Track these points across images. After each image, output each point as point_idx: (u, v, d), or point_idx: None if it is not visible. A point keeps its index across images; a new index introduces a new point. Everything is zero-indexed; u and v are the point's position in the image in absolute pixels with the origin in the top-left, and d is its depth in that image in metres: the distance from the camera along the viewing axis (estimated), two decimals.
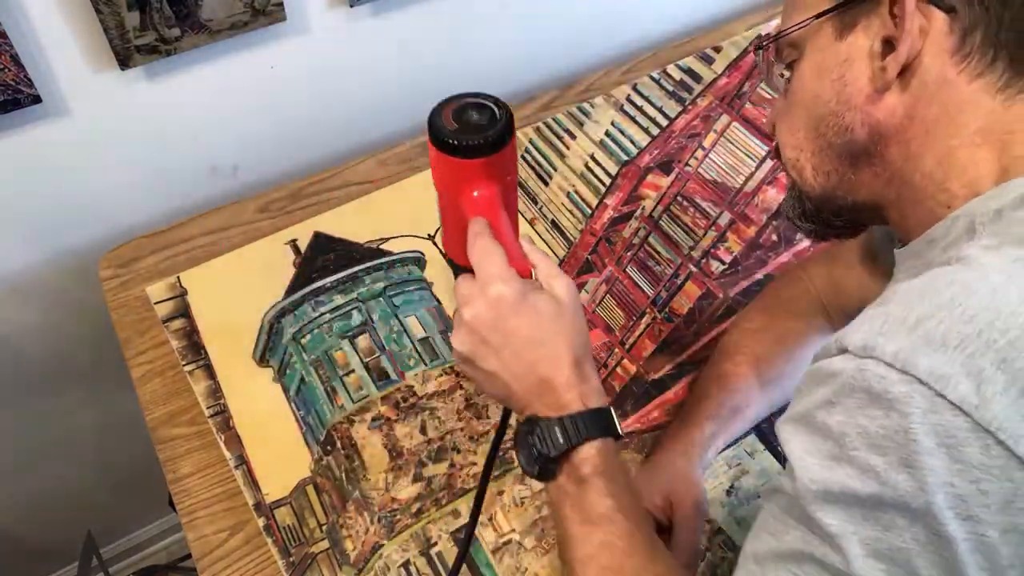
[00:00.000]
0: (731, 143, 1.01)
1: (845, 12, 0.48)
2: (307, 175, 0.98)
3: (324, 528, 0.71)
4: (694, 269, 0.89)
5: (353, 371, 0.81)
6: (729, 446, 0.75)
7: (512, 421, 0.60)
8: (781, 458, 0.75)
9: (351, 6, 0.89)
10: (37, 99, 0.77)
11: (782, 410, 0.76)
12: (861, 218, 0.55)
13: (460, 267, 0.57)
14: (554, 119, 1.05)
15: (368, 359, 0.82)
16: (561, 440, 0.51)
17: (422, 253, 0.90)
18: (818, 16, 0.49)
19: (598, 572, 0.50)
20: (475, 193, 0.53)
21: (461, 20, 1.00)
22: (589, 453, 0.51)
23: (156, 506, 1.42)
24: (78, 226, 0.93)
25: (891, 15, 0.46)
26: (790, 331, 0.76)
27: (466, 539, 0.63)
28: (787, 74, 0.54)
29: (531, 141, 1.02)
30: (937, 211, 0.46)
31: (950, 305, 0.38)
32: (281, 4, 0.83)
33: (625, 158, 1.00)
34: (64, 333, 1.03)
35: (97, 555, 1.28)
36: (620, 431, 0.53)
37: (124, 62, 0.79)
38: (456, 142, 0.51)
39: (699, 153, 1.00)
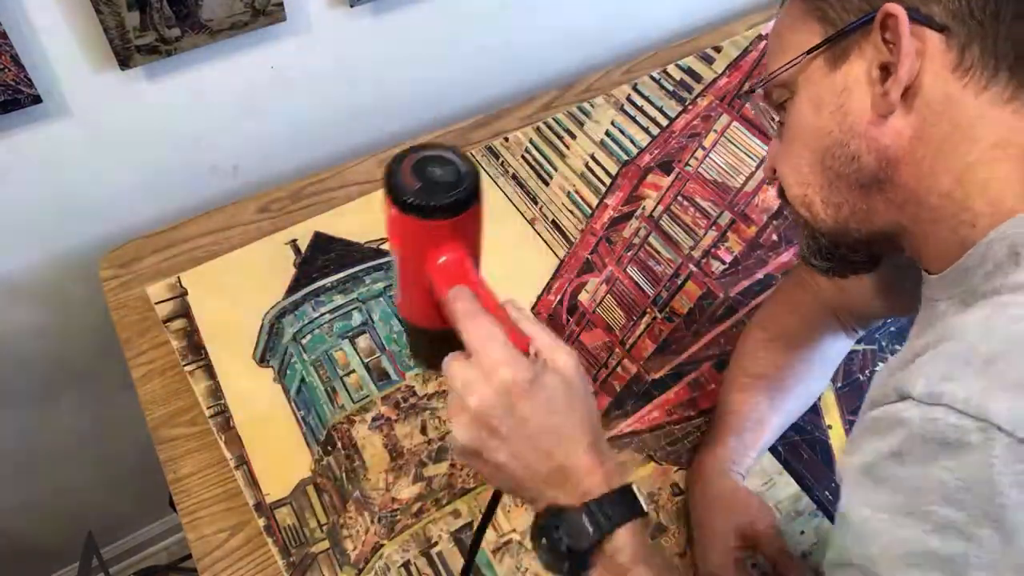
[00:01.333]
0: (731, 143, 1.01)
1: (835, 45, 0.49)
2: (307, 175, 0.97)
3: (324, 528, 0.71)
4: (694, 269, 0.89)
5: (353, 371, 0.81)
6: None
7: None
8: (781, 458, 0.75)
9: (351, 6, 0.89)
10: (37, 99, 0.77)
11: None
12: (878, 250, 0.54)
13: (419, 329, 0.53)
14: (554, 119, 1.05)
15: (368, 359, 0.82)
16: (591, 530, 0.47)
17: None
18: (809, 52, 0.50)
19: None
20: (443, 259, 0.48)
21: (461, 20, 1.00)
22: (623, 540, 0.47)
23: (156, 506, 1.42)
24: (78, 226, 0.93)
25: (884, 41, 0.46)
26: (802, 336, 0.76)
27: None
28: (778, 116, 0.54)
29: (531, 141, 1.02)
30: (960, 231, 0.45)
31: (1019, 342, 0.36)
32: (281, 4, 0.83)
33: (625, 158, 1.00)
34: (64, 334, 1.02)
35: (98, 555, 1.28)
36: (645, 507, 0.49)
37: (124, 62, 0.79)
38: (423, 202, 0.45)
39: (699, 153, 1.00)
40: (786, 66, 0.51)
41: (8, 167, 0.83)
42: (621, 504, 0.48)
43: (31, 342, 1.01)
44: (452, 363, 0.49)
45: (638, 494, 0.49)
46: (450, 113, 1.08)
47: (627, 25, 1.17)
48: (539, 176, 0.99)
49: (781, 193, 0.56)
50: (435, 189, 0.46)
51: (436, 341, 0.52)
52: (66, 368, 1.07)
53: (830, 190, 0.51)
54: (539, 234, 0.93)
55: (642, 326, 0.85)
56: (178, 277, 0.87)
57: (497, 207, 0.95)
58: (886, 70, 0.46)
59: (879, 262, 0.57)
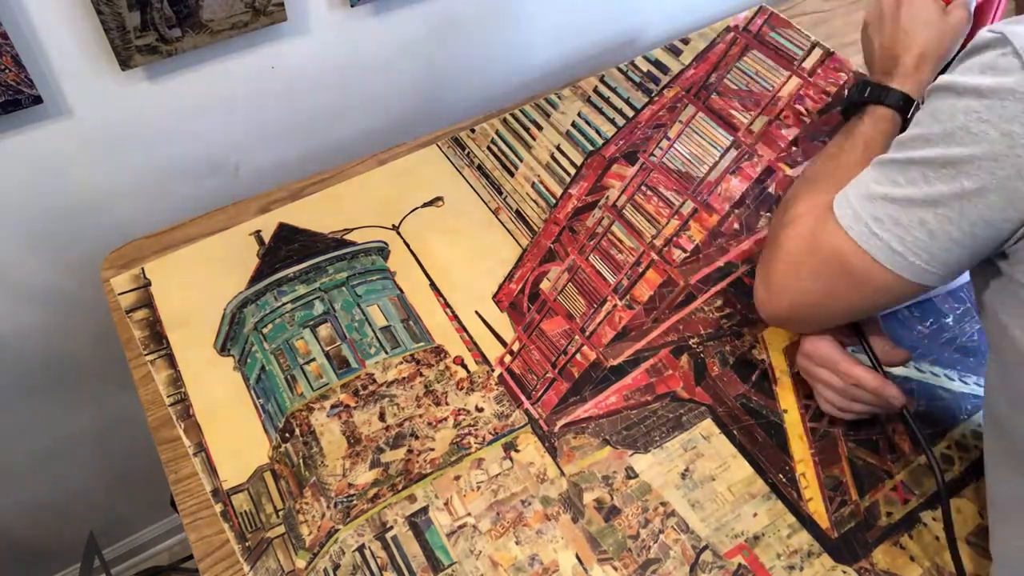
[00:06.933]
0: (696, 133, 1.02)
1: None
2: (308, 175, 0.97)
3: (280, 513, 0.72)
4: (656, 257, 0.90)
5: (314, 359, 0.81)
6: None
7: None
8: (736, 442, 0.76)
9: (351, 6, 0.90)
10: (38, 100, 0.77)
11: None
12: None
13: None
14: (521, 111, 1.05)
15: (329, 348, 0.82)
16: (865, 95, 0.76)
17: (386, 243, 0.91)
18: None
19: (823, 157, 0.76)
20: None
21: (461, 19, 1.01)
22: (877, 111, 0.75)
23: (158, 507, 1.44)
24: (79, 227, 0.93)
25: None
26: None
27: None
28: None
29: (497, 132, 1.03)
30: None
31: None
32: (281, 4, 0.83)
33: (591, 148, 1.01)
34: (66, 334, 1.03)
35: (99, 556, 1.29)
36: (909, 115, 0.74)
37: (125, 62, 0.79)
38: None
39: (664, 143, 1.01)
40: None
41: (9, 167, 0.83)
42: (894, 97, 0.75)
43: (32, 342, 1.01)
44: None
45: (913, 107, 0.74)
46: (451, 112, 1.09)
47: (628, 20, 1.17)
48: (504, 167, 0.99)
49: None
50: None
51: None
52: (67, 368, 1.08)
53: None
54: (503, 224, 0.94)
55: (602, 314, 0.86)
56: (142, 268, 0.88)
57: (461, 197, 0.96)
58: None
59: None
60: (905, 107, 0.74)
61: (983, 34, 0.53)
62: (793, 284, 0.68)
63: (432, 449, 0.75)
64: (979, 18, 0.79)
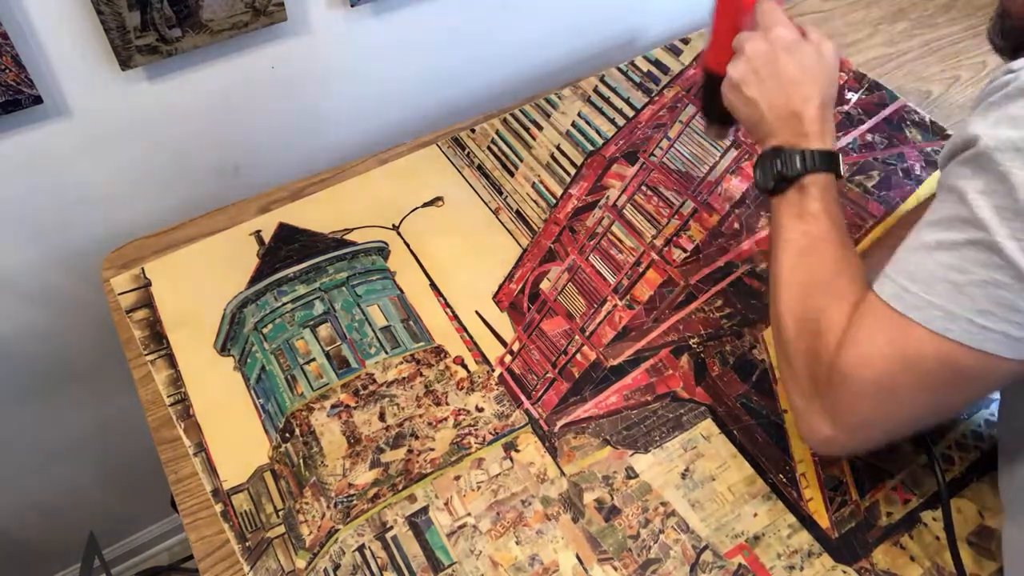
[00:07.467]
0: (696, 133, 1.02)
1: None
2: (308, 175, 0.98)
3: (280, 513, 0.72)
4: (656, 257, 0.90)
5: (314, 359, 0.81)
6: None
7: None
8: (736, 442, 0.76)
9: (351, 6, 0.90)
10: (38, 100, 0.77)
11: None
12: None
13: (718, 77, 0.71)
14: (521, 111, 1.05)
15: (329, 347, 0.82)
16: (799, 166, 0.65)
17: (386, 243, 0.91)
18: None
19: (795, 252, 0.64)
20: None
21: (461, 19, 1.01)
22: (817, 179, 0.65)
23: (158, 507, 1.43)
24: (79, 227, 0.93)
25: None
26: None
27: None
28: None
29: (498, 132, 1.03)
30: None
31: None
32: (281, 4, 0.84)
33: (591, 148, 1.01)
34: (66, 334, 1.03)
35: (99, 556, 1.29)
36: (843, 172, 0.67)
37: (125, 62, 0.79)
38: None
39: (664, 143, 1.01)
40: None
41: (9, 167, 0.83)
42: (827, 160, 0.65)
43: (32, 342, 1.01)
44: (742, 34, 0.69)
45: (841, 161, 0.66)
46: (451, 112, 1.09)
47: (629, 21, 1.17)
48: (505, 167, 0.99)
49: None
50: None
51: None
52: (67, 368, 1.08)
53: None
54: (503, 224, 0.94)
55: (602, 314, 0.86)
56: (142, 268, 0.88)
57: (461, 197, 0.96)
58: None
59: None
60: (836, 165, 0.66)
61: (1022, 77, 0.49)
62: (891, 410, 0.58)
63: (432, 449, 0.75)
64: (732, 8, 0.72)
